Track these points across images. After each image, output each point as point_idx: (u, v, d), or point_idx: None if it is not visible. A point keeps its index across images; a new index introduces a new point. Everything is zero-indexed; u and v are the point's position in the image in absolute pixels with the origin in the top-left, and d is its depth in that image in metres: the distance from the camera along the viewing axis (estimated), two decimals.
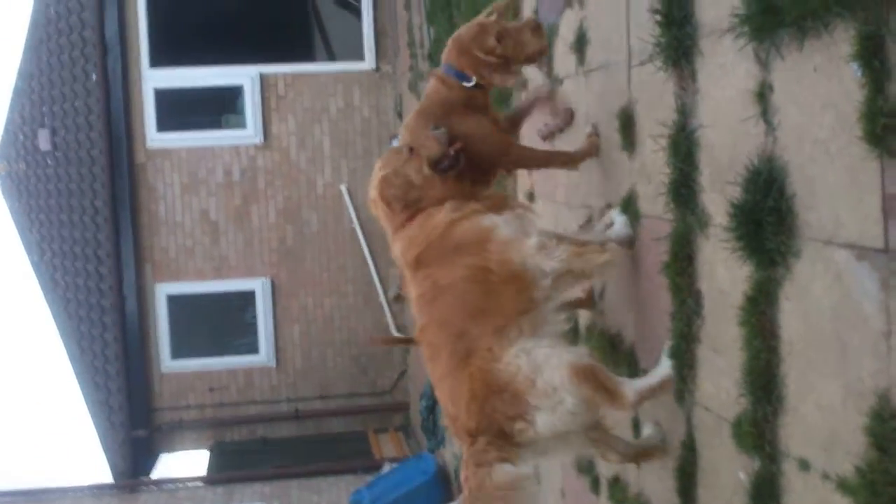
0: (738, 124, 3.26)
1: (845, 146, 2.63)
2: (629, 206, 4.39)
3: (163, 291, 13.95)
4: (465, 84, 4.40)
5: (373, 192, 4.29)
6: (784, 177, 3.00)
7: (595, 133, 4.75)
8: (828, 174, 2.75)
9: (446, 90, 4.43)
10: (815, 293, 2.87)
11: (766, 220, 3.05)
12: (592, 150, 4.73)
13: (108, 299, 13.67)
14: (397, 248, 4.22)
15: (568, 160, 4.81)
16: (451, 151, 4.15)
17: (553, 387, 3.64)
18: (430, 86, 4.55)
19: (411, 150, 4.22)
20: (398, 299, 14.18)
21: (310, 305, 14.25)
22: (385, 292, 14.24)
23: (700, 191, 3.63)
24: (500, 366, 3.71)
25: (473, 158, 4.28)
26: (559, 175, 5.50)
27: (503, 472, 3.66)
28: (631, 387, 3.79)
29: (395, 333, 14.14)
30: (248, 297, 14.24)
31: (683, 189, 3.74)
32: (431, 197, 4.14)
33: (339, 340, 14.32)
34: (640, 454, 4.21)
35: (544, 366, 3.67)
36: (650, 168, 4.11)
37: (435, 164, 4.14)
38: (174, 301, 14.02)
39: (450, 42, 4.51)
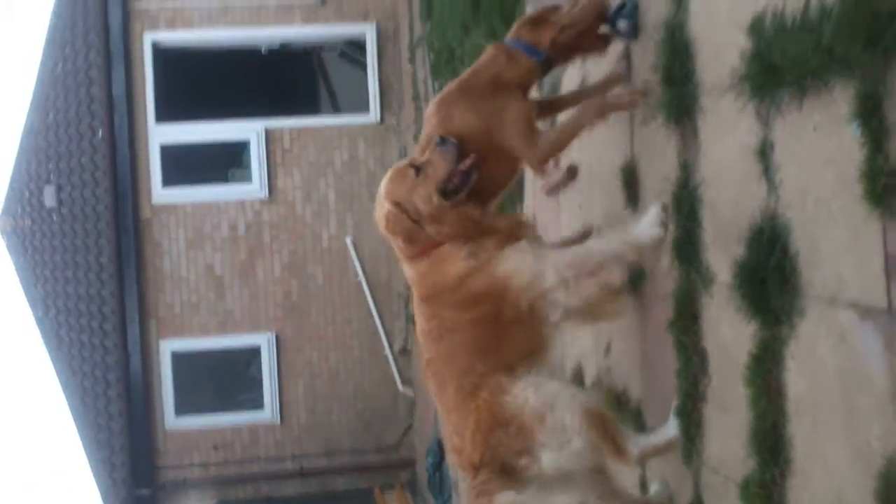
0: (740, 181, 3.26)
1: (847, 205, 2.62)
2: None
3: (167, 348, 13.90)
4: (534, 58, 4.16)
5: (379, 220, 4.03)
6: (787, 235, 2.99)
7: (647, 87, 4.13)
8: (830, 233, 2.73)
9: (505, 63, 4.13)
10: (821, 353, 2.84)
11: (770, 278, 3.04)
12: (634, 100, 4.16)
13: (113, 356, 13.63)
14: (407, 274, 4.05)
15: (601, 110, 4.24)
16: (462, 167, 3.86)
17: (562, 425, 3.57)
18: (483, 57, 4.23)
19: (417, 170, 3.89)
20: (404, 352, 14.13)
21: (315, 360, 14.20)
22: (391, 346, 14.19)
23: (704, 248, 3.62)
24: (507, 398, 3.64)
25: (500, 149, 4.05)
26: (563, 228, 5.49)
27: (504, 497, 3.58)
28: (637, 444, 3.73)
29: (401, 387, 14.09)
30: (253, 353, 14.19)
31: (687, 246, 3.73)
32: (443, 232, 3.85)
33: (345, 395, 14.24)
34: None
35: (555, 402, 3.59)
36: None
37: (444, 187, 3.86)
38: (178, 357, 13.97)
39: (517, 22, 4.31)
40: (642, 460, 3.84)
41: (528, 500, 3.62)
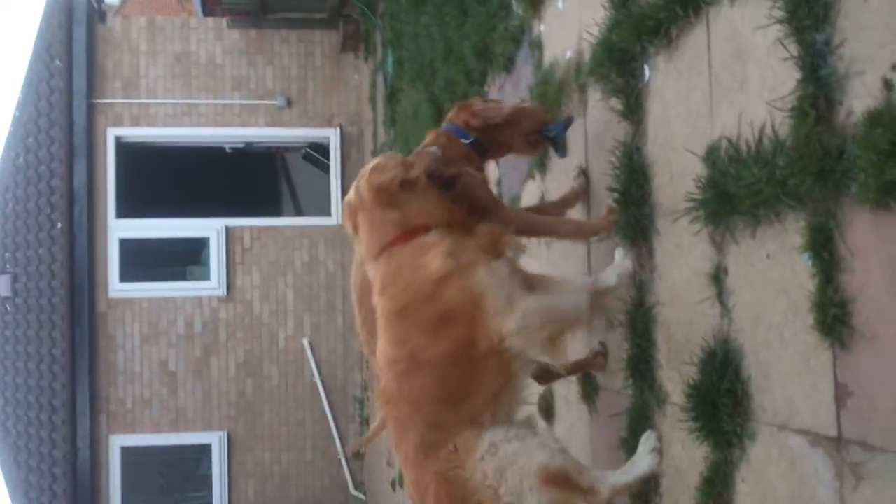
0: (694, 304, 3.30)
1: (798, 333, 2.66)
2: (588, 378, 4.40)
3: (117, 443, 13.69)
4: (464, 140, 4.15)
5: (352, 193, 3.80)
6: (739, 359, 3.03)
7: (613, 209, 4.04)
8: (782, 359, 2.78)
9: (445, 142, 4.13)
10: (771, 477, 2.86)
11: (722, 401, 3.07)
12: (608, 226, 4.05)
13: (60, 450, 13.39)
14: (373, 276, 3.73)
15: (576, 231, 4.28)
16: (446, 173, 3.75)
17: (518, 493, 3.36)
18: (426, 139, 4.23)
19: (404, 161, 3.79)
20: (357, 456, 13.99)
21: (266, 461, 14.03)
22: (344, 448, 14.05)
23: (657, 367, 3.65)
24: (465, 473, 3.42)
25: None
26: None
27: None
28: (606, 483, 3.48)
29: (353, 490, 13.93)
30: (203, 451, 14.01)
31: (641, 365, 3.76)
32: (424, 207, 3.63)
33: (296, 497, 14.04)
34: None
35: (510, 469, 3.38)
36: (609, 343, 4.13)
37: (430, 175, 3.69)
38: (128, 453, 13.75)
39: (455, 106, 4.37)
40: (612, 498, 3.55)
41: None
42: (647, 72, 3.73)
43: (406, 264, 3.58)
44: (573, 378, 4.56)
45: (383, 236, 3.66)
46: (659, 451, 3.64)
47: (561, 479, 3.39)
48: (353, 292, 4.62)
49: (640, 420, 3.80)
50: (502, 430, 3.47)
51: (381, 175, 3.66)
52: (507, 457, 3.41)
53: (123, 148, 13.98)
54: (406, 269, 3.58)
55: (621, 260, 3.84)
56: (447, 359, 3.49)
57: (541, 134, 4.27)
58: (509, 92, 5.94)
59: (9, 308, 13.73)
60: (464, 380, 3.50)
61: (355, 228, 3.85)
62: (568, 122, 4.28)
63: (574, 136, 4.45)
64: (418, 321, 3.54)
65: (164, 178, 14.88)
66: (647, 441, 3.70)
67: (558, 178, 4.85)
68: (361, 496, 13.87)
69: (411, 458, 3.59)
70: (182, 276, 14.22)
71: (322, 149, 14.94)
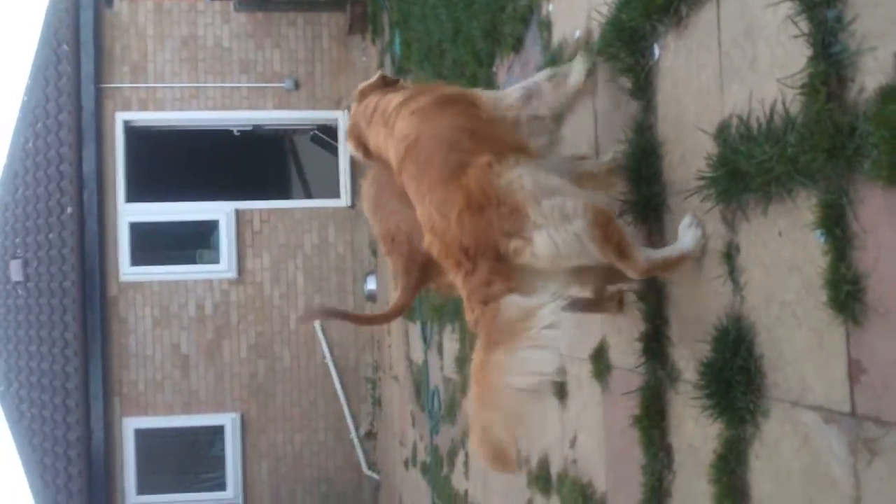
0: (706, 282, 3.31)
1: (811, 310, 2.67)
2: (600, 357, 4.41)
3: (130, 425, 13.77)
4: None
5: (349, 120, 4.33)
6: (752, 336, 3.03)
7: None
8: (795, 336, 2.78)
9: None
10: (785, 454, 2.87)
11: (735, 378, 3.07)
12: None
13: (75, 433, 13.47)
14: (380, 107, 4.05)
15: None
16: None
17: (563, 211, 3.14)
18: None
19: None
20: (370, 436, 14.05)
21: (279, 442, 14.09)
22: (357, 429, 14.11)
23: (670, 346, 3.65)
24: (501, 180, 3.21)
25: None
26: None
27: (514, 304, 3.12)
28: (644, 252, 3.32)
29: (366, 470, 13.99)
30: (216, 432, 14.08)
31: (654, 343, 3.76)
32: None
33: (309, 478, 14.12)
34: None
35: (556, 191, 3.20)
36: (621, 320, 4.13)
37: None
38: (141, 435, 13.83)
39: None
40: (649, 272, 3.38)
41: (539, 302, 3.13)
42: (656, 50, 3.72)
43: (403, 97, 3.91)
44: (585, 357, 4.58)
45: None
46: (700, 226, 3.33)
47: (605, 222, 3.19)
48: (365, 206, 4.79)
49: (653, 398, 3.81)
50: (541, 168, 3.33)
51: (360, 86, 4.32)
52: (552, 182, 3.25)
53: (132, 132, 14.01)
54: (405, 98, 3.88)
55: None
56: (457, 112, 3.65)
57: None
58: (518, 72, 5.93)
59: (21, 292, 13.79)
60: (479, 123, 3.61)
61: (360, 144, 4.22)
62: None
63: (583, 115, 4.45)
64: (426, 97, 3.77)
65: (173, 162, 14.89)
66: (686, 219, 3.40)
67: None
68: (375, 476, 13.94)
69: (435, 180, 3.39)
70: (192, 260, 14.28)
71: (330, 131, 14.93)
